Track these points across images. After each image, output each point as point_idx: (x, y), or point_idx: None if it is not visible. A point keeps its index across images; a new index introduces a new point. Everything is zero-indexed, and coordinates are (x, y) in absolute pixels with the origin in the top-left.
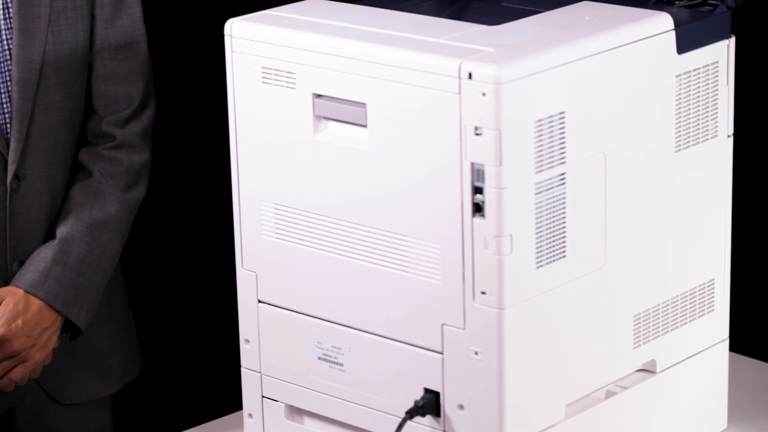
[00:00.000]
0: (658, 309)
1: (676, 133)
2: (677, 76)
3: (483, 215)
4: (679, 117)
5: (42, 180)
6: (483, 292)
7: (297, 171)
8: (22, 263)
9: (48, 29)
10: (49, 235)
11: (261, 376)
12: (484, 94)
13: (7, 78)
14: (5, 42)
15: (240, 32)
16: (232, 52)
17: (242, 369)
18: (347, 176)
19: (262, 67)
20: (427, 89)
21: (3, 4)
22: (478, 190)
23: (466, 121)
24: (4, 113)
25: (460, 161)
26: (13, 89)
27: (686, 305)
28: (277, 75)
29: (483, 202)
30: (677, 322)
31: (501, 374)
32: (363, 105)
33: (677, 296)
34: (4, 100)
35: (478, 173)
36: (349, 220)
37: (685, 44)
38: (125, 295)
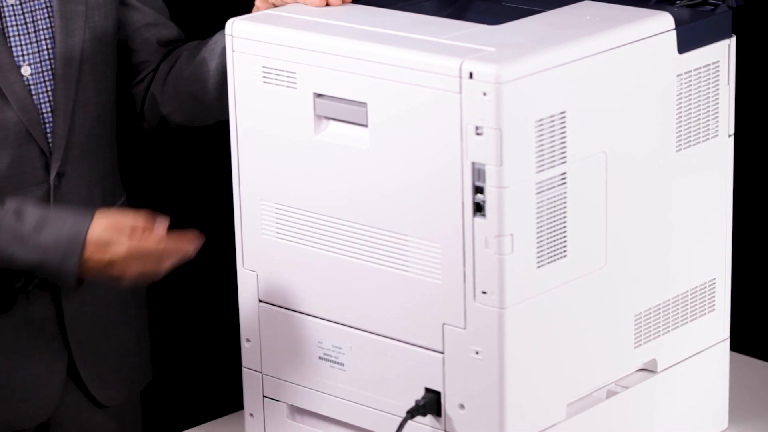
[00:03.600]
0: (659, 308)
1: (676, 132)
2: (678, 75)
3: (484, 215)
4: (680, 116)
5: (79, 177)
6: (484, 292)
7: (298, 170)
8: None
9: (85, 26)
10: None
11: (262, 376)
12: (484, 94)
13: (47, 77)
14: (45, 41)
15: (241, 32)
16: (233, 51)
17: (243, 369)
18: (348, 176)
19: (263, 67)
20: (428, 89)
21: (45, 2)
22: (478, 190)
23: (467, 121)
24: (43, 113)
25: (461, 161)
26: (57, 86)
27: (687, 305)
28: (278, 74)
29: (484, 202)
30: (678, 322)
31: (502, 374)
32: (364, 105)
33: (678, 296)
34: (43, 100)
35: (478, 173)
36: (349, 219)
37: (685, 44)
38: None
